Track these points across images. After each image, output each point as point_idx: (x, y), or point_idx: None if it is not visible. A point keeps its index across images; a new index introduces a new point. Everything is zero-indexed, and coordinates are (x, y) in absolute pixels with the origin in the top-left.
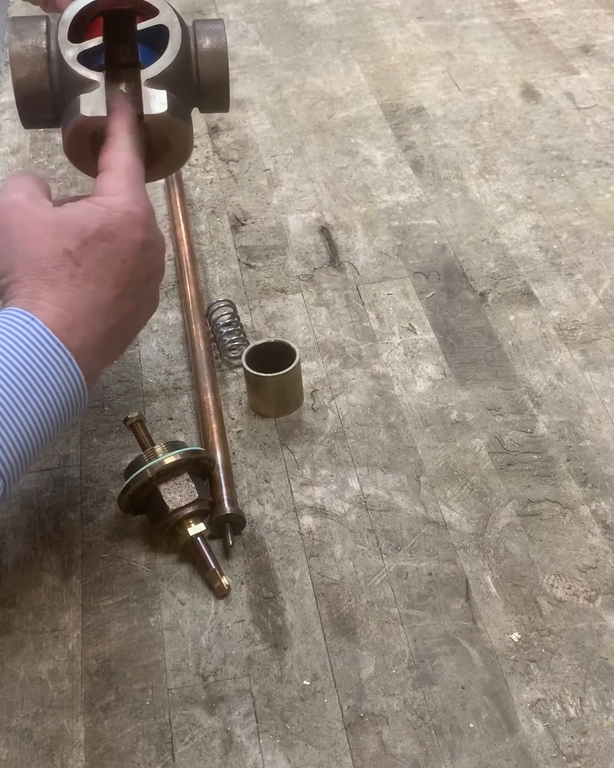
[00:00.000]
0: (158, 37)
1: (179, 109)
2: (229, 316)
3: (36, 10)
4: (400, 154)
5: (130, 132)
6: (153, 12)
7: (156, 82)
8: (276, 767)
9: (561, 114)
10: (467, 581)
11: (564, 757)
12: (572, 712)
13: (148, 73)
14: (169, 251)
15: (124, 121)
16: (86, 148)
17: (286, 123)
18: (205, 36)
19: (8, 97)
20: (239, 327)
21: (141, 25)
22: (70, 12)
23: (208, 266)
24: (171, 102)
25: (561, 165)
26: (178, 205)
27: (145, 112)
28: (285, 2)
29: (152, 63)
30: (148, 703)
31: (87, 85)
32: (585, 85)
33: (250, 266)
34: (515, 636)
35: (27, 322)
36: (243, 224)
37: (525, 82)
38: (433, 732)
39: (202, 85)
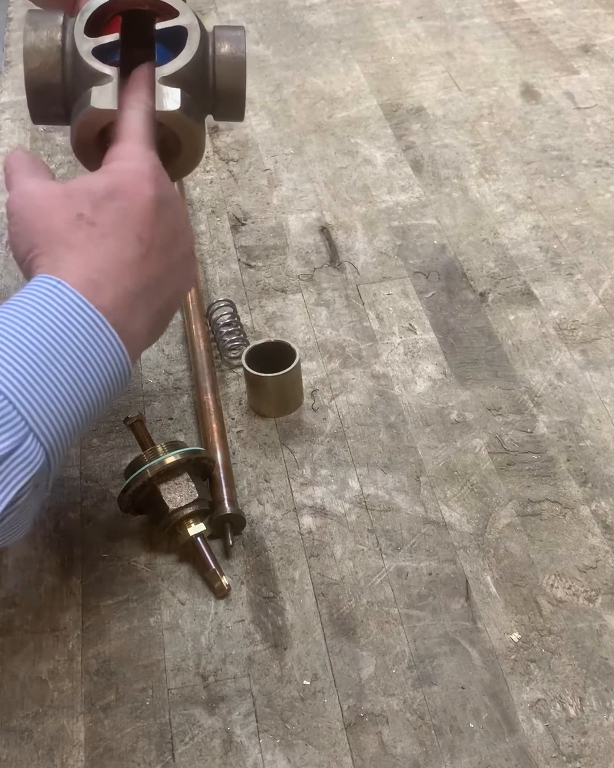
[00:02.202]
0: (176, 38)
1: (192, 109)
2: (229, 316)
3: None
4: (400, 154)
5: (144, 117)
6: (173, 13)
7: (170, 80)
8: (276, 767)
9: (561, 114)
10: (467, 581)
11: (564, 757)
12: (572, 712)
13: (163, 70)
14: None
15: (138, 109)
16: (94, 144)
17: (286, 123)
18: (225, 42)
19: (8, 97)
20: (239, 327)
21: (160, 25)
22: (89, 6)
23: (208, 266)
24: (184, 100)
25: (561, 165)
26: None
27: (158, 108)
28: (285, 2)
29: (168, 61)
30: (148, 703)
31: (100, 78)
32: (585, 85)
33: (250, 266)
34: (515, 636)
35: (53, 287)
36: (243, 224)
37: (525, 82)
38: (433, 732)
39: (218, 91)
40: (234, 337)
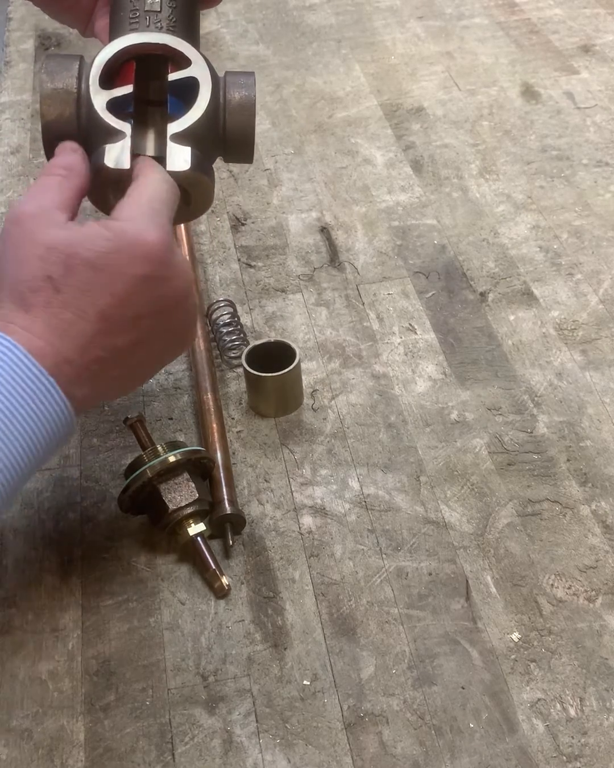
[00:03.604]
0: (188, 88)
1: (202, 164)
2: (229, 316)
3: (36, 10)
4: (400, 154)
5: (159, 172)
6: (186, 61)
7: (181, 137)
8: (276, 767)
9: (561, 114)
10: (467, 581)
11: (564, 757)
12: (572, 712)
13: (174, 127)
14: None
15: (159, 175)
16: (108, 195)
17: (286, 123)
18: (235, 90)
19: (8, 97)
20: (239, 327)
21: (172, 76)
22: (103, 56)
23: (208, 266)
24: (194, 159)
25: (561, 165)
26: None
27: (168, 168)
28: (285, 2)
29: (180, 114)
30: (148, 703)
31: (114, 134)
32: (585, 85)
33: (250, 266)
34: (515, 636)
35: (3, 341)
36: (243, 224)
37: (525, 82)
38: (433, 732)
39: (228, 138)
40: (234, 337)
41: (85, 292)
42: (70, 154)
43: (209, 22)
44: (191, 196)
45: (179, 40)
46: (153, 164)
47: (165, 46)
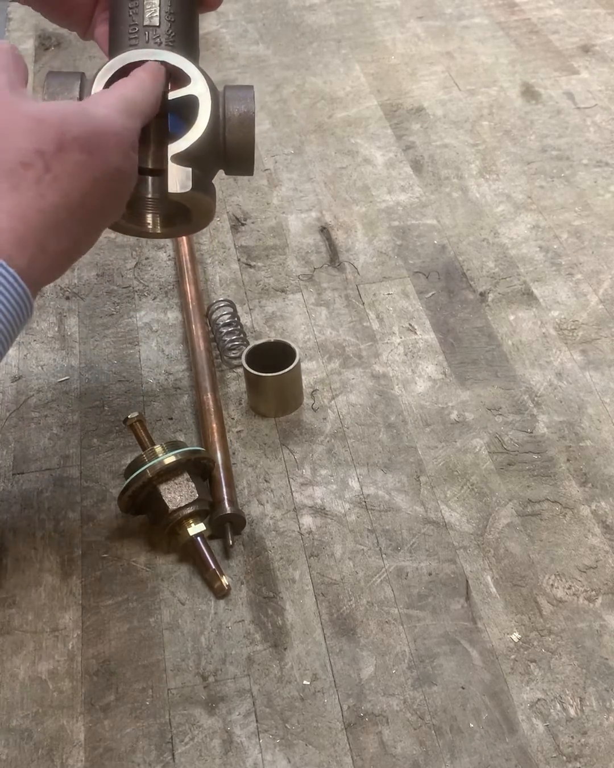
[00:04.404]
0: (188, 105)
1: (203, 183)
2: (229, 316)
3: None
4: (400, 154)
5: (153, 79)
6: (185, 78)
7: (182, 158)
8: (276, 767)
9: (561, 114)
10: (467, 581)
11: (564, 757)
12: (572, 712)
13: (174, 148)
14: (169, 251)
15: (151, 74)
16: None
17: (286, 123)
18: (234, 104)
19: None
20: (239, 327)
21: (172, 95)
22: (103, 74)
23: (208, 266)
24: (195, 179)
25: (561, 165)
26: None
27: (169, 189)
28: (285, 2)
29: (180, 132)
30: (148, 703)
31: None
32: (585, 85)
33: (250, 266)
34: (515, 636)
35: None
36: (243, 224)
37: (525, 82)
38: (433, 732)
39: (229, 153)
40: (234, 337)
41: (73, 175)
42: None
43: (209, 22)
44: (192, 213)
45: (178, 56)
46: (149, 68)
47: (164, 63)
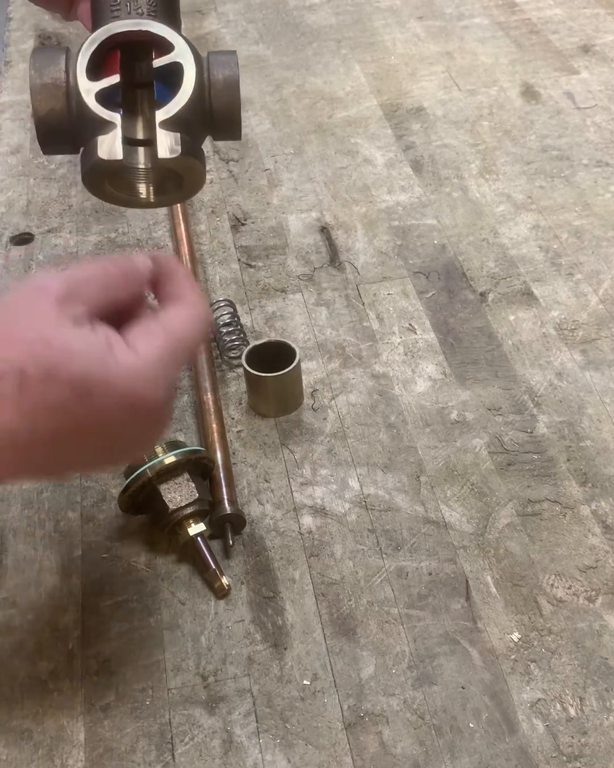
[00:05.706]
0: (173, 73)
1: (192, 147)
2: (229, 316)
3: (36, 10)
4: (400, 154)
5: (193, 305)
6: (168, 46)
7: (170, 123)
8: (276, 767)
9: (561, 114)
10: (467, 581)
11: (564, 757)
12: (572, 712)
13: (161, 114)
14: (169, 251)
15: (189, 294)
16: (104, 182)
17: (286, 123)
18: (218, 68)
19: (8, 96)
20: (239, 327)
21: (156, 63)
22: (88, 47)
23: (208, 266)
24: (185, 144)
25: (561, 165)
26: (178, 204)
27: (160, 155)
28: (285, 2)
29: (166, 100)
30: (148, 703)
31: (104, 126)
32: (585, 85)
33: (250, 266)
34: (515, 636)
35: None
36: (243, 224)
37: (525, 82)
38: (433, 732)
39: (215, 117)
40: (234, 337)
41: (50, 410)
42: (142, 265)
43: (209, 22)
44: (183, 179)
45: (160, 24)
46: (190, 288)
47: (147, 33)
